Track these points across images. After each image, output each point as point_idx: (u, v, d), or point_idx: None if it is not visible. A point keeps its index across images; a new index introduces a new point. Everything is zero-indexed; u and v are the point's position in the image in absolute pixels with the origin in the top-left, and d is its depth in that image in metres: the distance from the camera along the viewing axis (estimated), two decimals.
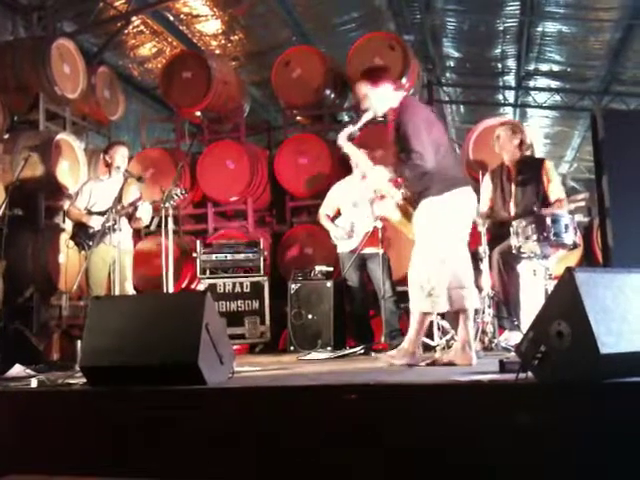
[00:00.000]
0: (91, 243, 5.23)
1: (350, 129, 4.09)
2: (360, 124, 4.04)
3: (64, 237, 6.67)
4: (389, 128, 3.93)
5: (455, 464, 2.30)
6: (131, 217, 5.50)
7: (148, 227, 5.33)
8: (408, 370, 3.60)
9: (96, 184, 5.69)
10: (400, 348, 3.78)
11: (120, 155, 5.60)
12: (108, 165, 5.65)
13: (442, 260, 3.70)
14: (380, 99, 3.94)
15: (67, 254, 6.56)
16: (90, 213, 5.45)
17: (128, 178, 5.33)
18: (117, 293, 5.11)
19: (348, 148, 4.14)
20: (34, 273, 6.64)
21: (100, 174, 5.94)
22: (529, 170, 4.94)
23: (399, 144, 3.83)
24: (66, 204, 7.23)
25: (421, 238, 3.80)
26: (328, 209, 6.01)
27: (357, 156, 4.19)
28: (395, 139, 3.88)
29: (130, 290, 5.48)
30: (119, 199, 5.20)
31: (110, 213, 5.05)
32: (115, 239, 5.12)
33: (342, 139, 4.09)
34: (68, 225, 7.19)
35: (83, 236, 5.35)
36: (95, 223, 5.34)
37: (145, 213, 5.50)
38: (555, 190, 4.87)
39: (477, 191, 5.04)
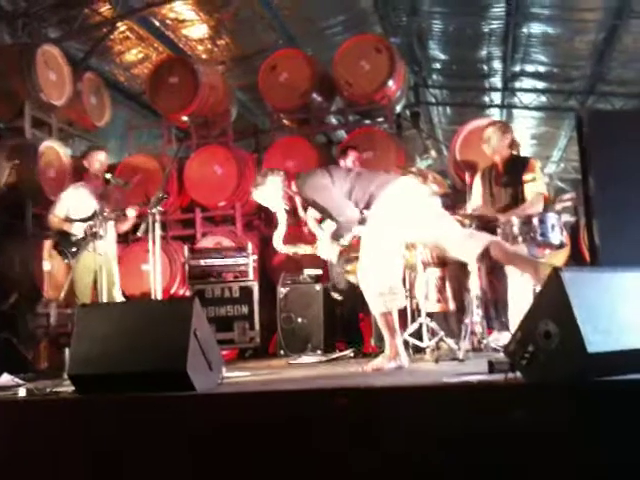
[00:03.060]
0: (74, 251, 5.18)
1: (279, 232, 4.33)
2: (282, 225, 4.29)
3: (47, 245, 6.64)
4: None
5: (445, 465, 2.31)
6: (117, 220, 5.44)
7: (135, 233, 5.27)
8: (398, 372, 3.60)
9: (75, 191, 5.61)
10: (383, 355, 3.82)
11: (97, 160, 5.55)
12: (86, 171, 5.60)
13: (390, 258, 3.86)
14: (272, 193, 4.21)
15: (53, 262, 6.53)
16: (71, 220, 5.38)
17: (114, 185, 5.29)
18: (105, 300, 5.08)
19: (286, 249, 4.37)
20: (21, 281, 6.60)
21: (79, 181, 5.87)
22: (515, 170, 4.95)
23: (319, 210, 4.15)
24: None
25: (365, 244, 3.95)
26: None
27: (299, 249, 4.40)
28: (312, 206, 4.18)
29: (118, 297, 5.45)
30: (102, 206, 5.16)
31: (95, 219, 5.02)
32: (100, 246, 5.09)
33: (278, 244, 4.33)
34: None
35: (65, 244, 5.28)
36: (77, 230, 5.28)
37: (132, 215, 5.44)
38: (536, 188, 4.84)
39: (464, 191, 5.07)
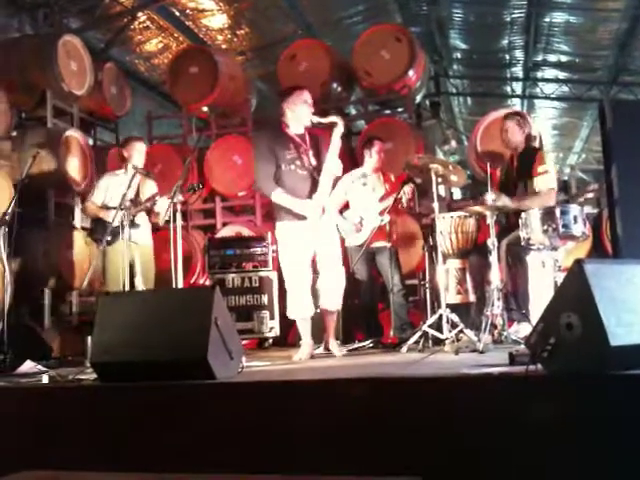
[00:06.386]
0: (108, 239, 5.18)
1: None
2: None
3: (78, 234, 6.70)
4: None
5: (464, 456, 2.30)
6: (150, 212, 5.44)
7: (167, 222, 5.20)
8: (417, 363, 3.60)
9: (112, 179, 5.61)
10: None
11: (137, 151, 5.55)
12: (124, 160, 5.61)
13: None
14: None
15: (75, 251, 6.58)
16: (107, 208, 5.40)
17: (137, 174, 5.30)
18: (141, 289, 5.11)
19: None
20: (45, 270, 6.66)
21: (116, 169, 5.88)
22: (526, 162, 4.91)
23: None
24: (76, 200, 7.25)
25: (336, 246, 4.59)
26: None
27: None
28: None
29: (140, 286, 5.44)
30: (136, 195, 5.18)
31: (126, 209, 5.03)
32: (134, 235, 5.10)
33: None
34: (78, 222, 7.21)
35: (101, 232, 5.30)
36: (111, 218, 5.29)
37: (163, 208, 5.43)
38: (546, 181, 4.78)
39: (484, 182, 5.05)
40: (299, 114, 4.52)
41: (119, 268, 5.21)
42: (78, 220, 7.22)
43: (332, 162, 4.46)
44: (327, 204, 4.48)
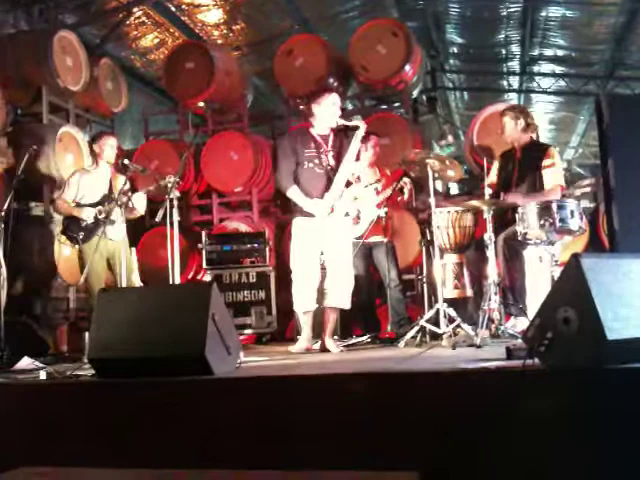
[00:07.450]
0: (83, 236, 5.17)
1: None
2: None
3: (56, 231, 6.67)
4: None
5: (461, 450, 2.31)
6: (126, 207, 5.36)
7: (153, 218, 5.17)
8: (415, 358, 3.61)
9: (83, 176, 5.52)
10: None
11: (109, 145, 5.48)
12: (95, 155, 5.56)
13: None
14: None
15: (71, 248, 6.55)
16: (80, 206, 5.34)
17: (129, 171, 5.25)
18: (123, 285, 5.09)
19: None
20: (41, 266, 6.65)
21: (86, 165, 5.83)
22: (532, 156, 4.91)
23: None
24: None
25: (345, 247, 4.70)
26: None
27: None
28: None
29: (136, 282, 5.45)
30: (110, 190, 5.16)
31: (105, 205, 5.02)
32: (111, 231, 5.10)
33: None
34: None
35: (75, 229, 5.25)
36: (87, 215, 5.24)
37: (139, 203, 5.38)
38: (554, 177, 4.81)
39: (481, 177, 5.06)
40: (325, 115, 4.63)
41: (97, 265, 5.20)
42: None
43: (348, 164, 4.56)
44: (337, 205, 4.51)
